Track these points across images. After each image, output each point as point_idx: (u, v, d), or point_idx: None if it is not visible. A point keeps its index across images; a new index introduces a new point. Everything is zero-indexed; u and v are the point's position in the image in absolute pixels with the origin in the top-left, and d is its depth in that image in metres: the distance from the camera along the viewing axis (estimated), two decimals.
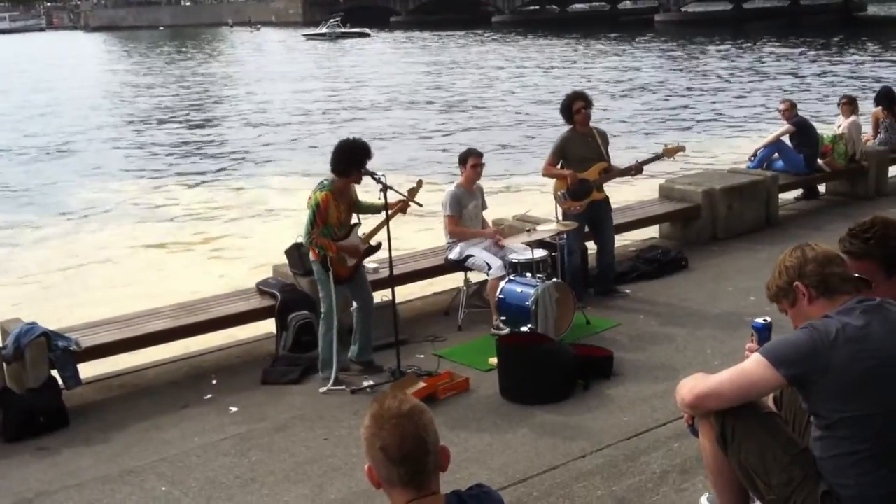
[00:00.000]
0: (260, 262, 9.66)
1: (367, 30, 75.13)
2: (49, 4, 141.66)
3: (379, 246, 6.18)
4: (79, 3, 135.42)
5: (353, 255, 6.03)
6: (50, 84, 42.73)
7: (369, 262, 6.86)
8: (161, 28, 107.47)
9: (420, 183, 6.26)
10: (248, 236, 13.21)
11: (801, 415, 3.15)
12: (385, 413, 2.09)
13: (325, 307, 6.01)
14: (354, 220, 6.12)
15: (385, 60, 48.64)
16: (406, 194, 6.14)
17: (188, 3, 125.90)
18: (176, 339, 6.55)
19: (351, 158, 5.80)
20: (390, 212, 5.95)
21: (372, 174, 5.80)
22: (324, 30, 75.37)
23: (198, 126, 27.02)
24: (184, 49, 69.54)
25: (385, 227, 5.98)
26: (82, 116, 29.91)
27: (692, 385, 3.11)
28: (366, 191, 6.21)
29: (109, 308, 8.92)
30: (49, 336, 5.84)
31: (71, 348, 5.88)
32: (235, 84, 40.22)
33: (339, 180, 5.86)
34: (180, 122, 28.25)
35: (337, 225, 5.91)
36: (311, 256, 6.04)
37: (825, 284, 2.91)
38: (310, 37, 74.74)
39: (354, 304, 6.22)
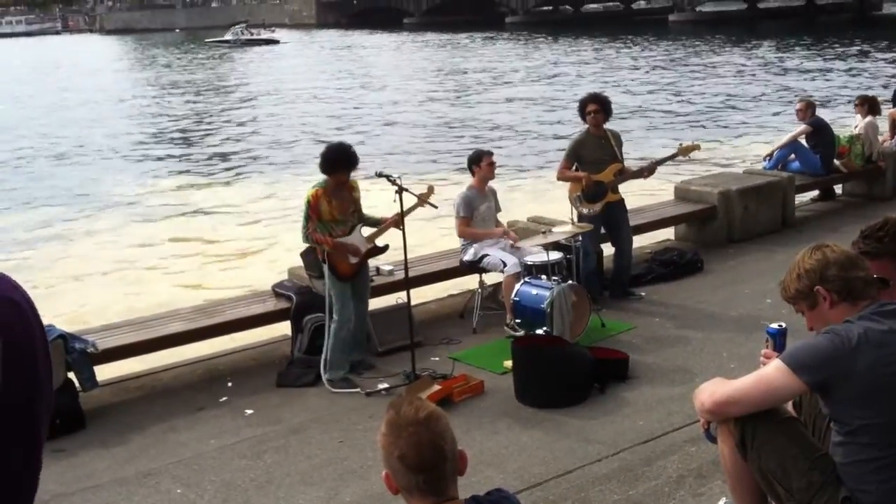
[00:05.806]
0: (276, 264, 9.68)
1: (275, 36, 73.17)
2: (64, 8, 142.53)
3: (385, 247, 6.27)
4: (94, 6, 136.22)
5: (355, 254, 6.12)
6: (70, 85, 42.97)
7: (385, 265, 6.89)
8: (176, 31, 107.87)
9: (431, 188, 6.32)
10: (263, 238, 13.23)
11: (820, 419, 3.12)
12: (401, 420, 2.08)
13: (338, 307, 6.05)
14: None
15: (400, 61, 48.67)
16: (417, 197, 6.17)
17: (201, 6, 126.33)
18: (192, 342, 6.57)
19: (330, 159, 6.04)
20: (399, 215, 5.99)
21: (388, 176, 5.84)
22: (228, 36, 73.73)
23: (217, 128, 27.07)
24: (201, 51, 69.66)
25: (391, 228, 6.11)
26: (94, 119, 30.03)
27: (712, 390, 3.07)
28: (381, 189, 6.22)
29: (125, 308, 9.00)
30: (66, 338, 5.86)
31: (88, 350, 5.90)
32: (257, 84, 40.34)
33: (330, 179, 6.04)
34: (199, 123, 28.34)
35: (331, 221, 6.03)
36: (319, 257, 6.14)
37: (848, 289, 2.86)
38: (213, 44, 72.93)
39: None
